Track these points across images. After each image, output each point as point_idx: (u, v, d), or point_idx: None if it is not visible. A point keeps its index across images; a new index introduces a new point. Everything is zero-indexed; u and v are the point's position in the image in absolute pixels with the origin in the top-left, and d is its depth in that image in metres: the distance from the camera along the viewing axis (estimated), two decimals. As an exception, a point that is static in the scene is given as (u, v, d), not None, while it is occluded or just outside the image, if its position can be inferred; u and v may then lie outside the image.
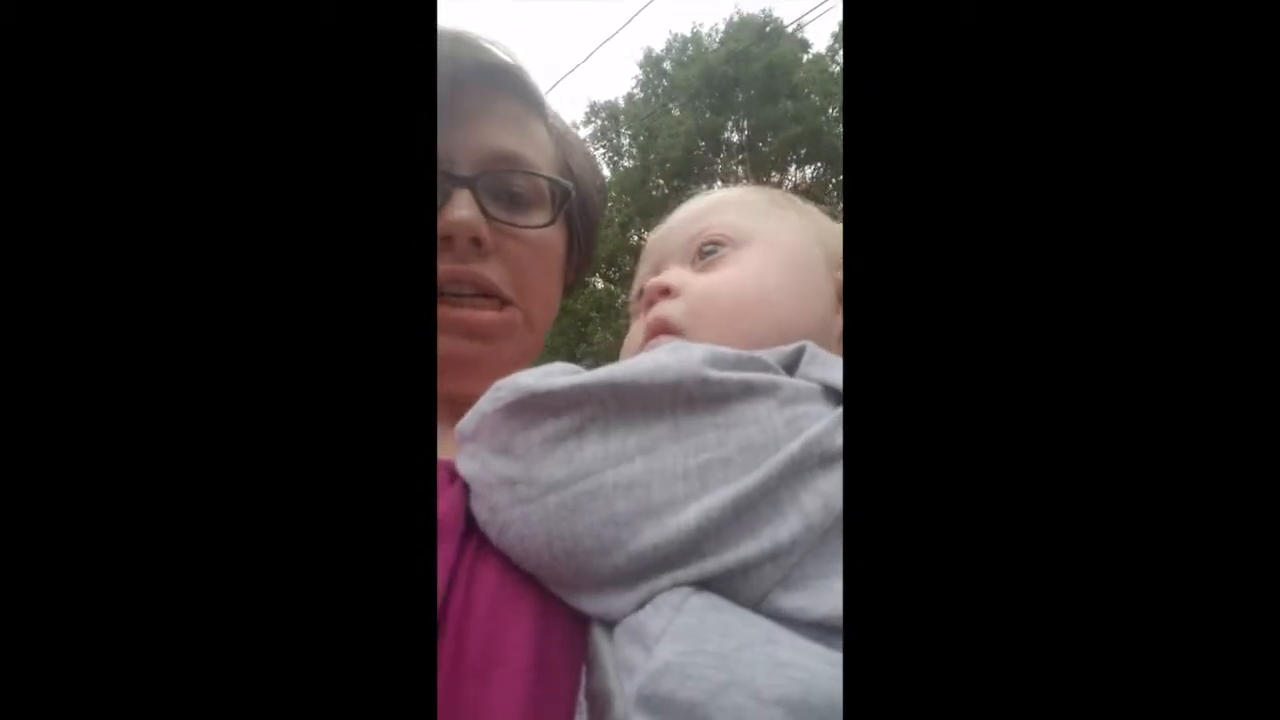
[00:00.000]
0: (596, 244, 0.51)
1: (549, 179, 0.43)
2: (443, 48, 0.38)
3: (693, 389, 0.28)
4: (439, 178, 0.39)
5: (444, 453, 0.36)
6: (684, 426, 0.28)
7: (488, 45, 0.41)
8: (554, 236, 0.44)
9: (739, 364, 0.29)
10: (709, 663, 0.22)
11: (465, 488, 0.32)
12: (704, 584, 0.25)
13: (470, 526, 0.31)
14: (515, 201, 0.41)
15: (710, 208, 0.43)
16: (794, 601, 0.24)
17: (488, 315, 0.40)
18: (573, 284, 0.51)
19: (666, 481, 0.26)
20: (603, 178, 0.51)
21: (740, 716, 0.20)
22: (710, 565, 0.25)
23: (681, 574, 0.25)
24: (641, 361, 0.29)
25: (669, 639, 0.23)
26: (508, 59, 0.42)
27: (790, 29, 11.08)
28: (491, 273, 0.40)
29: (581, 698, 0.26)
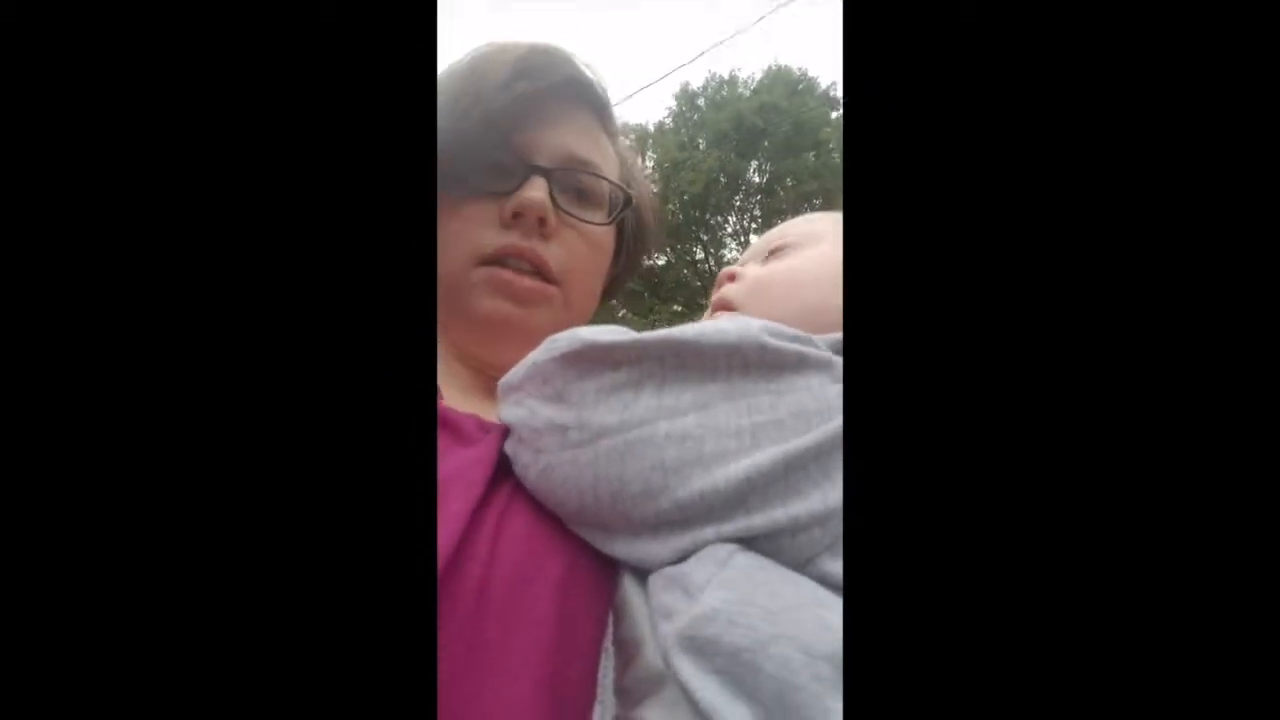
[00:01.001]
0: (642, 259, 0.56)
1: (613, 184, 0.47)
2: (540, 59, 0.44)
3: (749, 354, 0.28)
4: (520, 165, 0.43)
5: (472, 409, 0.37)
6: (738, 388, 0.28)
7: (580, 64, 0.46)
8: (606, 237, 0.48)
9: (795, 339, 0.30)
10: (758, 614, 0.21)
11: (497, 440, 0.33)
12: (749, 544, 0.25)
13: (498, 477, 0.32)
14: (581, 198, 0.46)
15: (793, 221, 0.47)
16: (841, 568, 0.24)
17: (529, 283, 0.43)
18: (610, 290, 0.55)
19: (719, 437, 0.26)
20: (657, 203, 0.55)
21: (787, 666, 0.19)
22: (757, 521, 0.25)
23: (727, 527, 0.25)
24: (703, 326, 0.30)
25: (715, 587, 0.23)
26: (595, 79, 0.47)
27: (824, 89, 11.33)
28: (548, 254, 0.43)
29: (608, 644, 0.26)
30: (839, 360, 0.30)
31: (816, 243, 0.43)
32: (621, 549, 0.28)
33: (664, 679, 0.22)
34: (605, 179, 0.47)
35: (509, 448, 0.32)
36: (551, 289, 0.44)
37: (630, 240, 0.53)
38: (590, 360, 0.30)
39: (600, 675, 0.25)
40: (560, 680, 0.25)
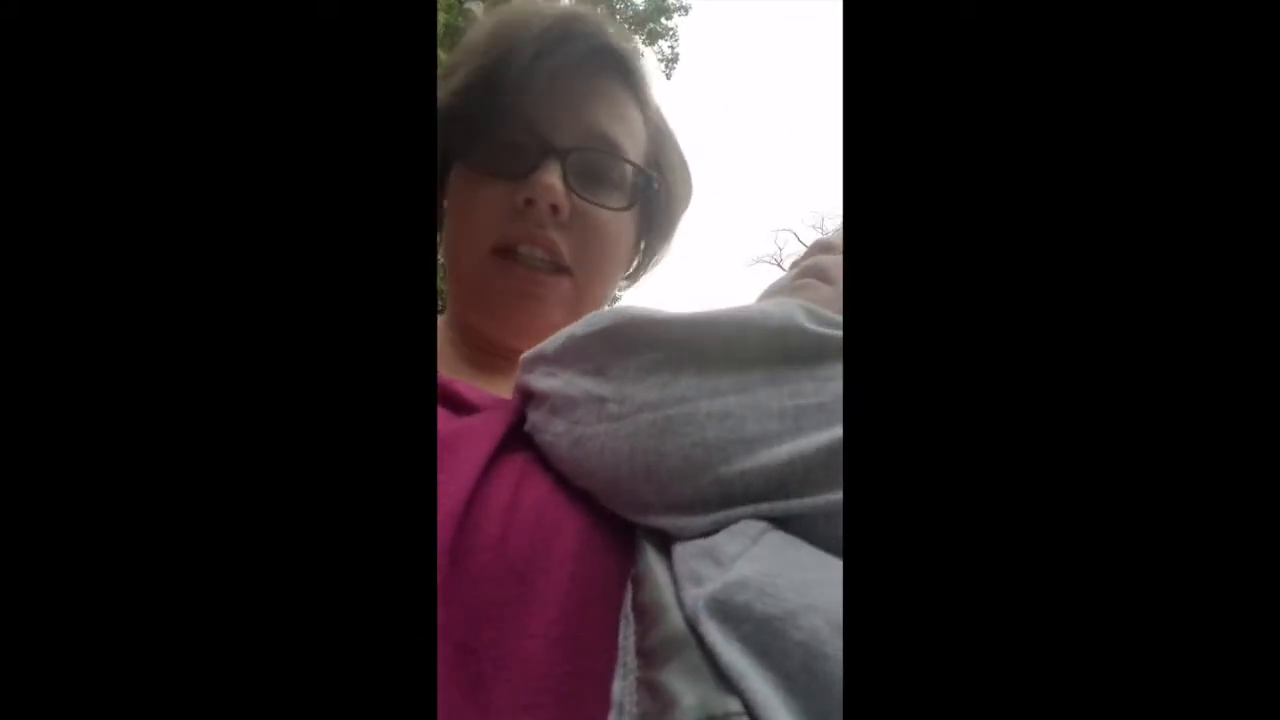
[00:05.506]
0: (671, 237, 0.54)
1: (635, 166, 0.45)
2: (566, 29, 0.41)
3: (791, 340, 0.28)
4: (538, 146, 0.41)
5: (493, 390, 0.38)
6: (780, 375, 0.28)
7: (612, 31, 0.44)
8: (627, 220, 0.46)
9: (838, 325, 0.30)
10: (788, 586, 0.21)
11: (514, 405, 0.33)
12: (781, 524, 0.25)
13: (514, 444, 0.32)
14: (599, 181, 0.44)
15: None
16: None
17: (540, 275, 0.42)
18: (637, 269, 0.54)
19: (761, 418, 0.26)
20: (689, 176, 0.53)
21: (815, 637, 0.19)
22: (795, 505, 0.25)
23: (765, 507, 0.25)
24: (748, 311, 0.30)
25: (747, 560, 0.23)
26: (628, 47, 0.45)
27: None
28: (561, 241, 0.42)
29: (627, 610, 0.26)
30: None
31: None
32: (654, 520, 0.28)
33: (687, 643, 0.22)
34: (628, 161, 0.44)
35: (537, 417, 0.32)
36: (560, 276, 0.43)
37: (656, 221, 0.50)
38: (631, 338, 0.30)
39: (621, 639, 0.25)
40: (577, 641, 0.25)
